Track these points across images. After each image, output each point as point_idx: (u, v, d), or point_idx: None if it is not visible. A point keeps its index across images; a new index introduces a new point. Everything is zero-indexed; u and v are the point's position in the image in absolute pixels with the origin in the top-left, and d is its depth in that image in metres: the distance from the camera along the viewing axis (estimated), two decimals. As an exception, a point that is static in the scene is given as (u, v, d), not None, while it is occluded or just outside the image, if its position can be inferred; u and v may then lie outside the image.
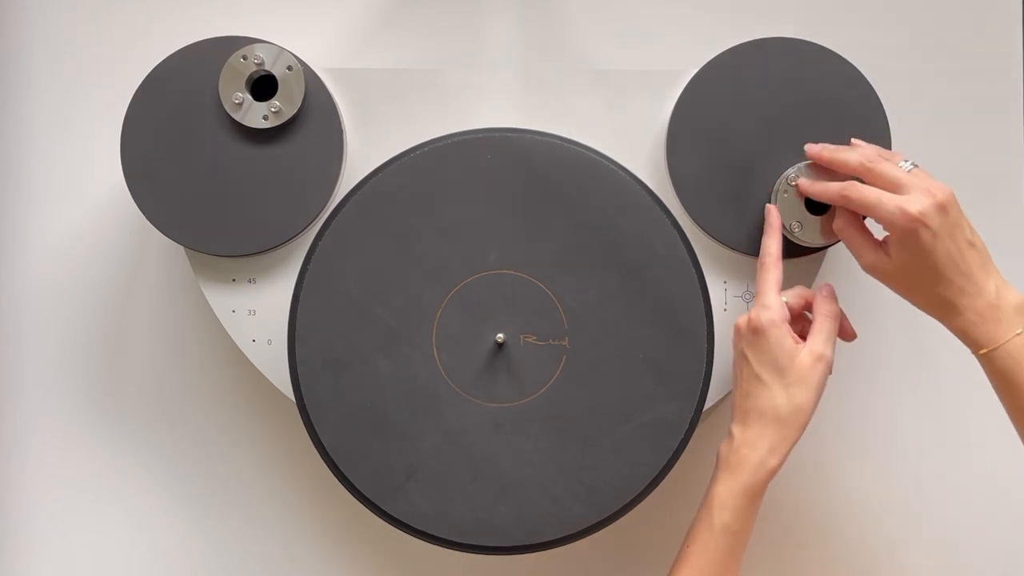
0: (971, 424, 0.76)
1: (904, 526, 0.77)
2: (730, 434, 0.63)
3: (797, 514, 0.77)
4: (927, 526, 0.77)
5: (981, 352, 0.59)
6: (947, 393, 0.76)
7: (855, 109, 0.68)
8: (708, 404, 0.67)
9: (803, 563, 0.77)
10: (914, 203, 0.58)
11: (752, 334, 0.62)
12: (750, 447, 0.61)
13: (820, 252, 0.68)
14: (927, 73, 0.76)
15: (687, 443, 0.66)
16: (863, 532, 0.77)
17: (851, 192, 0.61)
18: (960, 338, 0.61)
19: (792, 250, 0.67)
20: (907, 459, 0.77)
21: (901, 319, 0.76)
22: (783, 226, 0.66)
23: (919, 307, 0.62)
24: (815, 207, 0.67)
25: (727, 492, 0.61)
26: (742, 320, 0.63)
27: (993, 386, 0.60)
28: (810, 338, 0.62)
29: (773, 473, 0.61)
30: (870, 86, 0.68)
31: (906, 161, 0.62)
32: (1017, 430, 0.61)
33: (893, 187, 0.60)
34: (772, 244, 0.65)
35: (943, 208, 0.59)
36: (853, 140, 0.66)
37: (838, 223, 0.64)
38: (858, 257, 0.63)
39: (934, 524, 0.77)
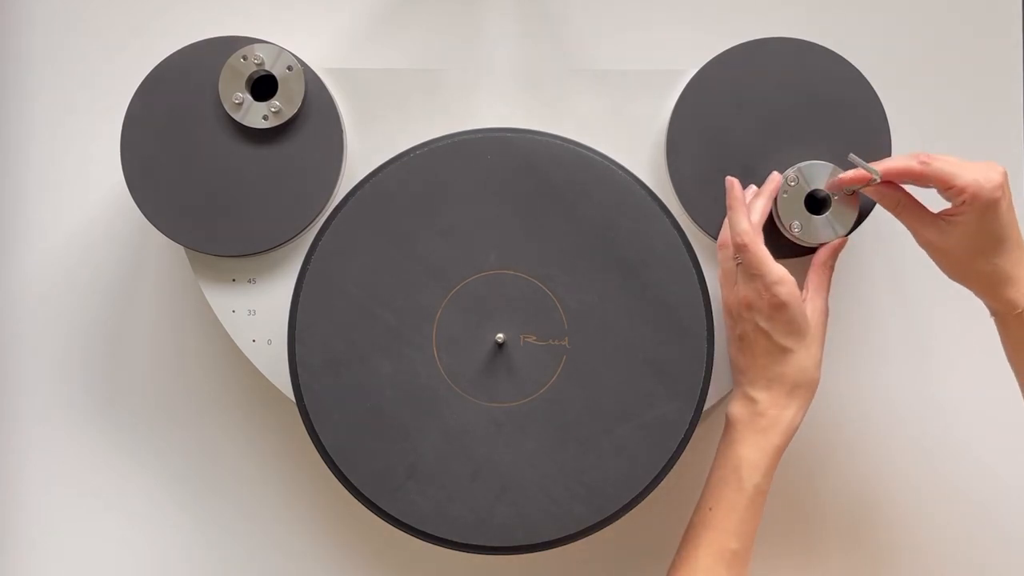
0: (972, 420, 0.76)
1: (903, 523, 0.77)
2: (748, 398, 0.64)
3: (796, 511, 0.77)
4: (927, 522, 0.77)
5: (1016, 312, 0.61)
6: (947, 390, 0.76)
7: (855, 109, 0.68)
8: (708, 404, 0.67)
9: (803, 563, 0.77)
10: (993, 172, 0.60)
11: (774, 310, 0.63)
12: (780, 408, 0.63)
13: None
14: (927, 73, 0.76)
15: (687, 443, 0.66)
16: (862, 529, 0.77)
17: (932, 160, 0.61)
18: (1002, 307, 0.62)
19: (792, 250, 0.67)
20: (906, 453, 0.77)
21: (901, 319, 0.76)
22: (784, 226, 0.66)
23: (967, 280, 0.63)
24: (815, 207, 0.67)
25: (758, 453, 0.63)
26: (750, 299, 0.63)
27: (1010, 340, 0.63)
28: (814, 295, 0.65)
29: (797, 430, 0.64)
30: (870, 86, 0.68)
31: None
32: None
33: (957, 167, 0.60)
34: (757, 212, 0.65)
35: (1007, 181, 0.61)
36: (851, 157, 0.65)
37: (893, 198, 0.64)
38: (918, 230, 0.63)
39: (934, 521, 0.77)
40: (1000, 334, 0.64)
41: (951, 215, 0.62)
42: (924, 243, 0.64)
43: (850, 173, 0.64)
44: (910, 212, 0.64)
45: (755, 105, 0.68)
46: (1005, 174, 0.60)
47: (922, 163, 0.61)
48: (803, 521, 0.77)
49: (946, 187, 0.61)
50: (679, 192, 0.69)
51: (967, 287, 0.64)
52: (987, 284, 0.62)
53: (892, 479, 0.77)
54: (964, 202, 0.60)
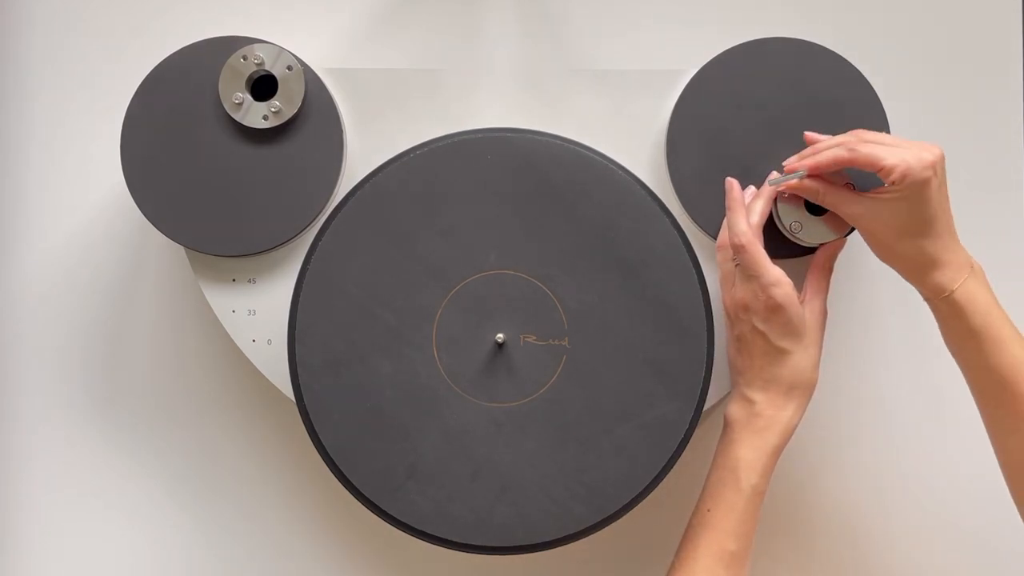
0: (971, 420, 0.76)
1: (904, 523, 0.77)
2: (746, 399, 0.64)
3: (795, 512, 0.77)
4: (927, 523, 0.77)
5: (943, 296, 0.62)
6: (947, 390, 0.76)
7: (855, 109, 0.68)
8: (708, 404, 0.67)
9: (802, 565, 0.77)
10: (925, 152, 0.60)
11: (770, 311, 0.63)
12: (777, 408, 0.63)
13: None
14: (927, 73, 0.76)
15: (687, 443, 0.66)
16: (862, 530, 0.77)
17: (858, 145, 0.61)
18: (929, 292, 0.62)
19: (792, 250, 0.67)
20: (906, 456, 0.77)
21: (900, 318, 0.76)
22: (783, 226, 0.66)
23: (894, 262, 0.63)
24: (815, 207, 0.67)
25: (755, 454, 0.63)
26: (747, 300, 0.63)
27: (946, 328, 0.63)
28: (812, 296, 0.65)
29: (795, 430, 0.64)
30: (870, 86, 0.68)
31: None
32: (964, 372, 0.64)
33: (886, 149, 0.60)
34: (756, 213, 0.65)
35: (942, 162, 0.61)
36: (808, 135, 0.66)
37: (812, 189, 0.64)
38: (845, 207, 0.63)
39: (933, 522, 0.77)
40: (936, 320, 0.64)
41: (879, 194, 0.62)
42: (852, 220, 0.63)
43: (782, 184, 0.64)
44: (833, 194, 0.63)
45: (755, 105, 0.68)
46: (940, 155, 0.60)
47: (849, 150, 0.61)
48: (802, 522, 0.77)
49: (877, 168, 0.60)
50: (679, 192, 0.69)
51: (895, 269, 0.64)
52: (914, 267, 0.62)
53: (891, 480, 0.77)
54: (893, 182, 0.60)
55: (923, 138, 0.74)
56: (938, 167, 0.60)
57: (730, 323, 0.66)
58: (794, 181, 0.63)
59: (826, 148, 0.63)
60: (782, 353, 0.63)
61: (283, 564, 0.78)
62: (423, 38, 0.76)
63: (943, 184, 0.61)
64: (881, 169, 0.60)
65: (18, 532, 0.78)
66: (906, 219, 0.61)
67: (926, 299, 0.63)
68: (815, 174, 0.63)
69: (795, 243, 0.67)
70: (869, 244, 0.64)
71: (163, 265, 0.77)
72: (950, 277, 0.62)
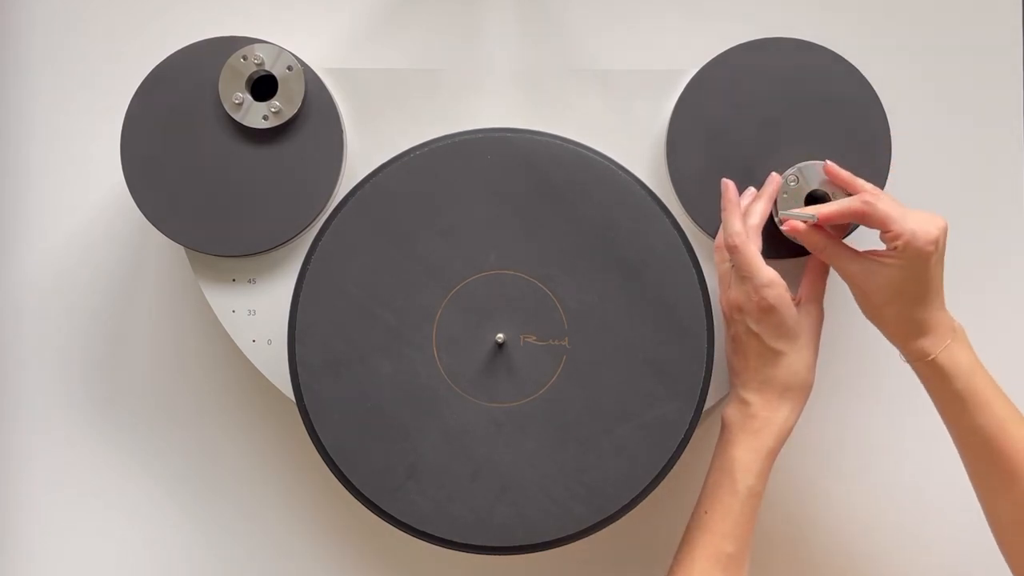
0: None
1: (902, 526, 0.77)
2: (741, 400, 0.64)
3: (793, 514, 0.77)
4: (926, 524, 0.77)
5: (926, 360, 0.62)
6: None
7: (855, 109, 0.68)
8: (708, 404, 0.67)
9: (801, 567, 0.77)
10: (931, 225, 0.60)
11: (763, 313, 0.63)
12: (772, 410, 0.63)
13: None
14: (927, 73, 0.76)
15: (687, 443, 0.66)
16: (860, 534, 0.77)
17: (877, 203, 0.61)
18: (912, 355, 0.63)
19: (791, 250, 0.67)
20: (906, 457, 0.77)
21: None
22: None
23: (881, 323, 0.64)
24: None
25: (751, 455, 0.63)
26: (740, 301, 0.63)
27: (929, 388, 0.64)
28: (808, 297, 0.65)
29: (791, 432, 0.64)
30: (870, 86, 0.68)
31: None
32: (949, 428, 0.64)
33: (899, 213, 0.61)
34: (756, 214, 0.65)
35: (945, 236, 0.62)
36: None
37: (819, 241, 0.64)
38: (843, 266, 0.64)
39: (933, 524, 0.77)
40: (920, 381, 0.64)
41: (880, 257, 0.62)
42: (847, 277, 0.64)
43: (793, 219, 0.65)
44: (833, 249, 0.64)
45: (755, 105, 0.68)
46: (944, 229, 0.61)
47: (865, 203, 0.62)
48: (801, 524, 0.77)
49: (884, 230, 0.61)
50: (679, 192, 0.69)
51: (880, 330, 0.65)
52: (901, 331, 0.63)
53: (890, 482, 0.77)
54: (896, 248, 0.61)
55: (923, 138, 0.75)
56: (940, 241, 0.61)
57: (726, 324, 0.66)
58: (802, 225, 0.64)
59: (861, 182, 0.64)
60: (776, 354, 0.63)
61: (283, 564, 0.78)
62: (423, 38, 0.76)
63: (941, 258, 0.62)
64: (888, 232, 0.61)
65: (18, 532, 0.78)
66: (899, 285, 0.62)
67: (908, 362, 0.64)
68: (825, 221, 0.64)
69: (793, 243, 0.67)
70: (859, 302, 0.65)
71: (163, 265, 0.77)
72: (932, 342, 0.62)
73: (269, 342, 0.69)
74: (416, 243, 0.67)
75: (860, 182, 0.64)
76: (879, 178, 0.67)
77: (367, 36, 0.76)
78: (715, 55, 0.68)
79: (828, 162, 0.65)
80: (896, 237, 0.60)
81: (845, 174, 0.65)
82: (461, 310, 0.66)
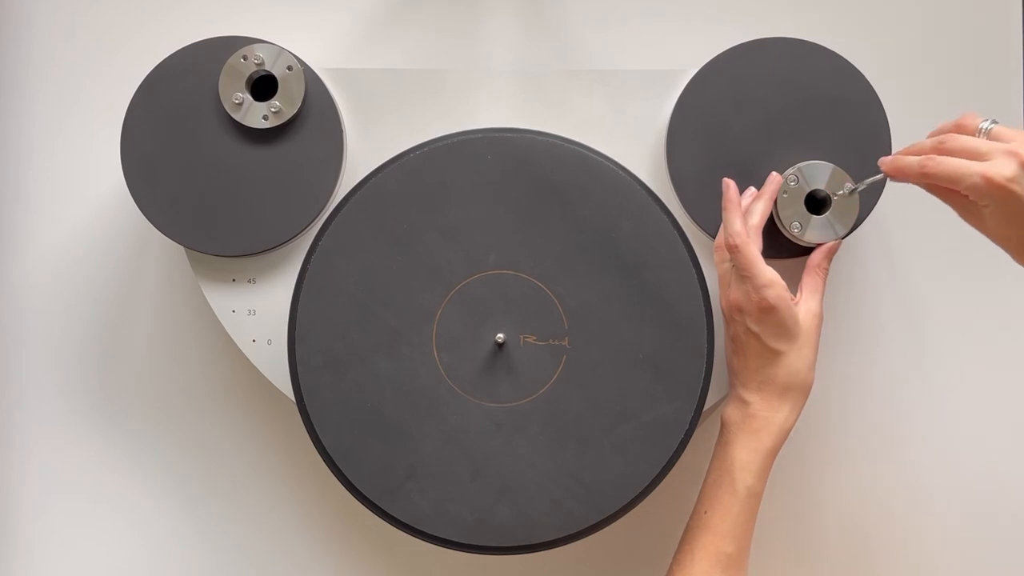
0: (971, 420, 0.76)
1: (903, 525, 0.77)
2: (741, 400, 0.64)
3: (793, 514, 0.77)
4: (926, 524, 0.77)
5: None
6: (946, 391, 0.76)
7: (855, 109, 0.68)
8: (708, 404, 0.67)
9: (801, 567, 0.77)
10: (1000, 167, 0.54)
11: (763, 313, 0.62)
12: (772, 410, 0.63)
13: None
14: (927, 73, 0.76)
15: (687, 443, 0.66)
16: (860, 531, 0.77)
17: (931, 166, 0.56)
18: None
19: (792, 250, 0.67)
20: (907, 458, 0.77)
21: (900, 319, 0.76)
22: (783, 226, 0.66)
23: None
24: (815, 207, 0.67)
25: (750, 455, 0.63)
26: (740, 301, 0.63)
27: None
28: (808, 297, 0.65)
29: (790, 432, 0.64)
30: (870, 86, 0.68)
31: (985, 120, 0.58)
32: None
33: (974, 157, 0.56)
34: (756, 214, 0.65)
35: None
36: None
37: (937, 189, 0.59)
38: (964, 216, 0.59)
39: (933, 522, 0.77)
40: None
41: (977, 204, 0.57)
42: (975, 227, 0.59)
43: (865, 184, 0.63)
44: (948, 197, 0.59)
45: (755, 105, 0.68)
46: (1022, 163, 0.54)
47: (923, 173, 0.57)
48: (800, 524, 0.77)
49: (957, 188, 0.56)
50: (679, 192, 0.69)
51: None
52: None
53: (890, 481, 0.77)
54: (981, 201, 0.56)
55: (923, 138, 0.75)
56: (1020, 179, 0.54)
57: (726, 324, 0.66)
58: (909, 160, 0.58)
59: (917, 145, 0.59)
60: (776, 354, 0.63)
61: (282, 564, 0.78)
62: (423, 38, 0.76)
63: None
64: (960, 189, 0.56)
65: (18, 532, 0.78)
66: (1011, 225, 0.56)
67: None
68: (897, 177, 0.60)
69: (794, 243, 0.67)
70: (1006, 251, 0.58)
71: (163, 265, 0.77)
72: None
73: (269, 342, 0.69)
74: (416, 243, 0.67)
75: (917, 149, 0.59)
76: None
77: (367, 36, 0.76)
78: (715, 55, 0.68)
79: (883, 158, 0.61)
80: (971, 194, 0.55)
81: (897, 163, 0.60)
82: (461, 310, 0.66)
